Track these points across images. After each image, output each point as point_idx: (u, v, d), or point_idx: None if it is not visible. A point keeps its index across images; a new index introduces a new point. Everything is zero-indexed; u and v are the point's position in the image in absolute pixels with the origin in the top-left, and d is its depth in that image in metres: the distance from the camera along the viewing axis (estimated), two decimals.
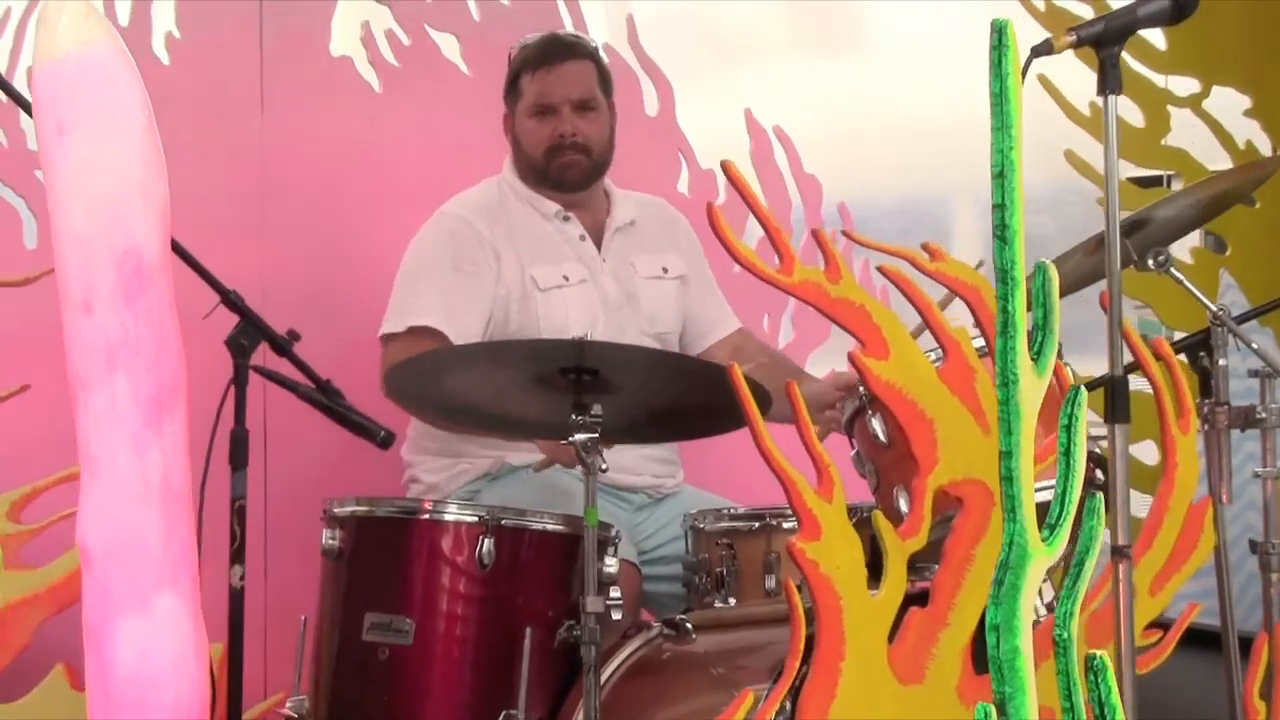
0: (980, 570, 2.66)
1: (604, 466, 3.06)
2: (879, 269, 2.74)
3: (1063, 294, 3.50)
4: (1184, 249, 5.40)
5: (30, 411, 3.90)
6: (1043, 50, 2.52)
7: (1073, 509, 1.29)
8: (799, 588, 2.66)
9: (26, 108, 3.36)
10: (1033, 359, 1.21)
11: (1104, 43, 2.59)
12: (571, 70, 4.01)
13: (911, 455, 2.76)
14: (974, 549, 2.66)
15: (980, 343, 2.80)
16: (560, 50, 4.02)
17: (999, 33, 1.09)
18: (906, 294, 2.65)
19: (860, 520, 2.80)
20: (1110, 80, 2.59)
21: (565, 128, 3.95)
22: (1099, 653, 1.16)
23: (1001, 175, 1.06)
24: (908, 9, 5.24)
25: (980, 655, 2.69)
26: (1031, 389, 1.23)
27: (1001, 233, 1.10)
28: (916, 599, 2.74)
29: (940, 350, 2.73)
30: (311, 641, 3.39)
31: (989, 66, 1.06)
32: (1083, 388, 1.21)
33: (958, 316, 2.86)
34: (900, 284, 2.68)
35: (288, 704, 3.35)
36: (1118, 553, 2.52)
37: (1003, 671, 1.17)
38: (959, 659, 2.71)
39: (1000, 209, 1.08)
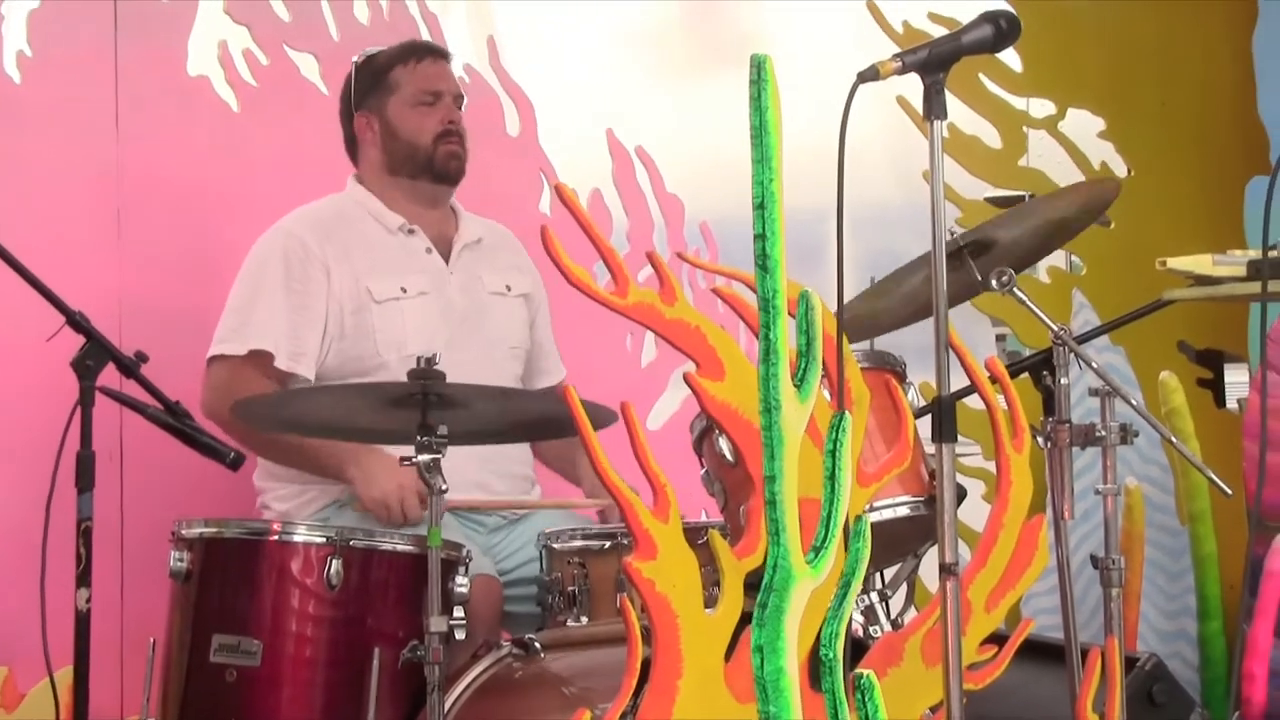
0: (818, 589, 2.68)
1: (444, 488, 3.09)
2: (713, 290, 2.77)
3: (914, 316, 3.55)
4: (1040, 268, 5.50)
5: None
6: (869, 76, 2.55)
7: (838, 531, 1.32)
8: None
9: None
10: (796, 385, 1.23)
11: (929, 69, 2.62)
12: (446, 67, 4.14)
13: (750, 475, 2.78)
14: None
15: None
16: (433, 48, 4.17)
17: (758, 68, 1.11)
18: (740, 314, 2.68)
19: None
20: (935, 106, 2.62)
21: (455, 115, 4.04)
22: (865, 672, 1.18)
23: (762, 206, 1.07)
24: (770, 30, 5.30)
25: (817, 673, 2.72)
26: (795, 415, 1.25)
27: (763, 262, 1.12)
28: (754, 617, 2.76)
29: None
30: (160, 663, 3.39)
31: (749, 101, 1.08)
32: (847, 413, 1.24)
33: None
34: (733, 304, 2.71)
35: None
36: (945, 570, 2.56)
37: (767, 691, 1.19)
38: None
39: (761, 239, 1.10)
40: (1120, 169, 5.51)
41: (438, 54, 4.13)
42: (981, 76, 5.35)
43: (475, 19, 4.84)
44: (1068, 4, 5.52)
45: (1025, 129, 5.45)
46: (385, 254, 3.99)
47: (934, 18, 5.10)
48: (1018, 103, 5.44)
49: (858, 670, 1.18)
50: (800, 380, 1.23)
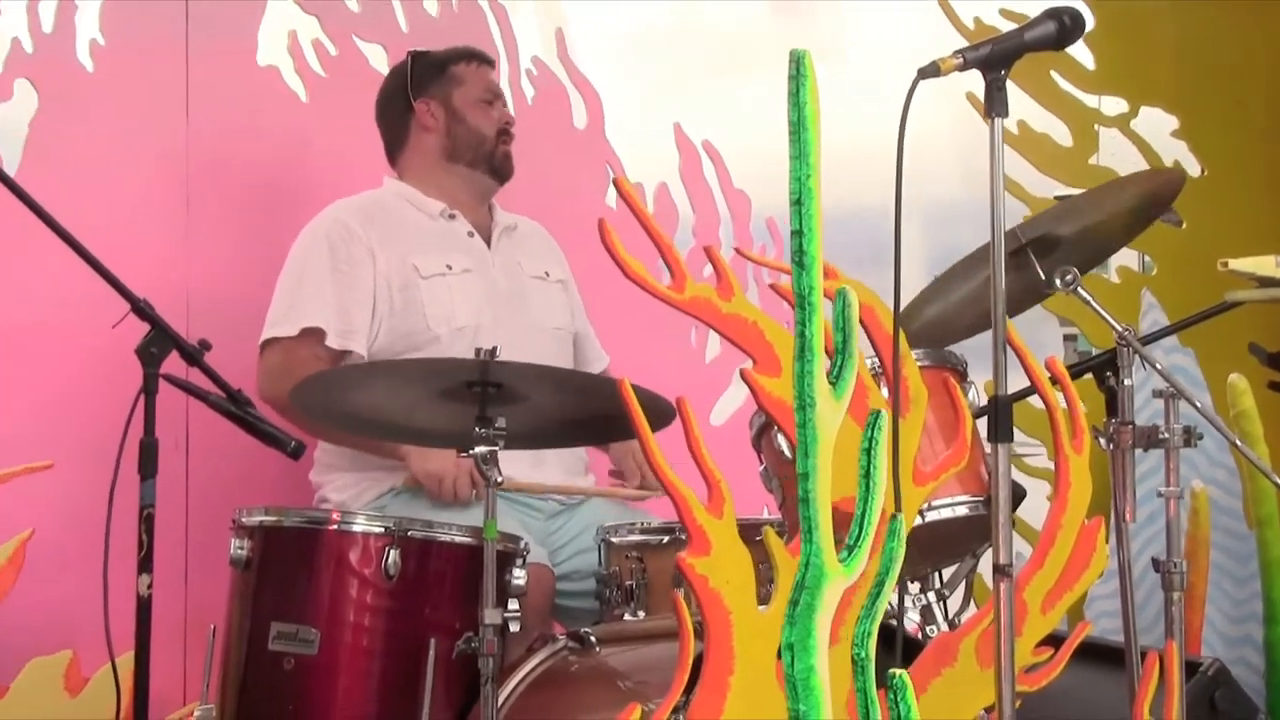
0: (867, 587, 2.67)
1: (500, 480, 3.09)
2: (770, 286, 2.77)
3: (982, 322, 3.51)
4: (1111, 268, 5.46)
5: None
6: (930, 72, 2.54)
7: (872, 530, 1.31)
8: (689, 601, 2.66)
9: None
10: (831, 383, 1.23)
11: (990, 66, 2.61)
12: (494, 73, 4.26)
13: None
14: None
15: (873, 361, 2.82)
16: (484, 54, 4.27)
17: (797, 63, 1.10)
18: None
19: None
20: (996, 103, 2.61)
21: (510, 117, 4.19)
22: (898, 671, 1.17)
23: (800, 202, 1.06)
24: (842, 27, 5.28)
25: None
26: (829, 412, 1.24)
27: (800, 258, 1.12)
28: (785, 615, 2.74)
29: None
30: (220, 651, 3.40)
31: (787, 96, 1.08)
32: (883, 411, 1.23)
33: None
34: (791, 300, 2.70)
35: (195, 712, 3.36)
36: (999, 571, 2.54)
37: (797, 689, 1.19)
38: (848, 674, 2.71)
39: (798, 235, 1.09)
40: (1194, 168, 5.46)
41: (489, 60, 4.26)
42: (1053, 73, 5.32)
43: (544, 12, 4.86)
44: (1141, 2, 5.48)
45: (1097, 127, 5.40)
46: (428, 237, 4.06)
47: (1006, 14, 5.07)
48: (1089, 100, 5.40)
49: (891, 670, 1.17)
50: (836, 378, 1.23)
